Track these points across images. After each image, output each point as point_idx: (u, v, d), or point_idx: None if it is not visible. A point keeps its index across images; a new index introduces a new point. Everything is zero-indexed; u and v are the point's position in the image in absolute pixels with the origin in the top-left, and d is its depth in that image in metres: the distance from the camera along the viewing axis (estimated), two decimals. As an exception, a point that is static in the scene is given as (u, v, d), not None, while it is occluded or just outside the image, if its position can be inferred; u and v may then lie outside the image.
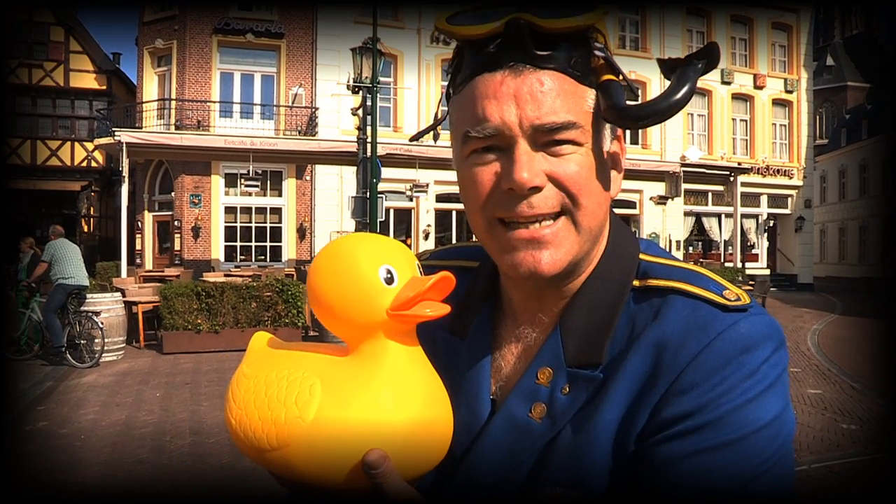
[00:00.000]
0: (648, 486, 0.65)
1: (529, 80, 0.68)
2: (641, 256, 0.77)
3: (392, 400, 0.66)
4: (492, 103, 0.68)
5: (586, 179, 0.70)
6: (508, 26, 0.68)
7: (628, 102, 0.70)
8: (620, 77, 0.71)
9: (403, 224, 21.26)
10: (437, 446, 0.70)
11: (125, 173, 15.77)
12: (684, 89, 0.67)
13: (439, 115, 0.80)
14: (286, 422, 0.64)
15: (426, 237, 20.82)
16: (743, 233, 24.92)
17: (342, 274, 0.67)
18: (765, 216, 26.59)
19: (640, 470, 0.66)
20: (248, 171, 17.08)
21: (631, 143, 22.79)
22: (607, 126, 0.74)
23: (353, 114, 13.64)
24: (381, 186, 13.55)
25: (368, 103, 12.40)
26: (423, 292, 0.67)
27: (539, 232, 0.70)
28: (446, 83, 0.78)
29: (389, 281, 0.67)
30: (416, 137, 0.95)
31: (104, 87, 24.70)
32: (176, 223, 19.20)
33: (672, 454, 0.64)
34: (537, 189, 0.68)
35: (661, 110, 0.67)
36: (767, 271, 25.43)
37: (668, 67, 0.69)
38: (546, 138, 0.68)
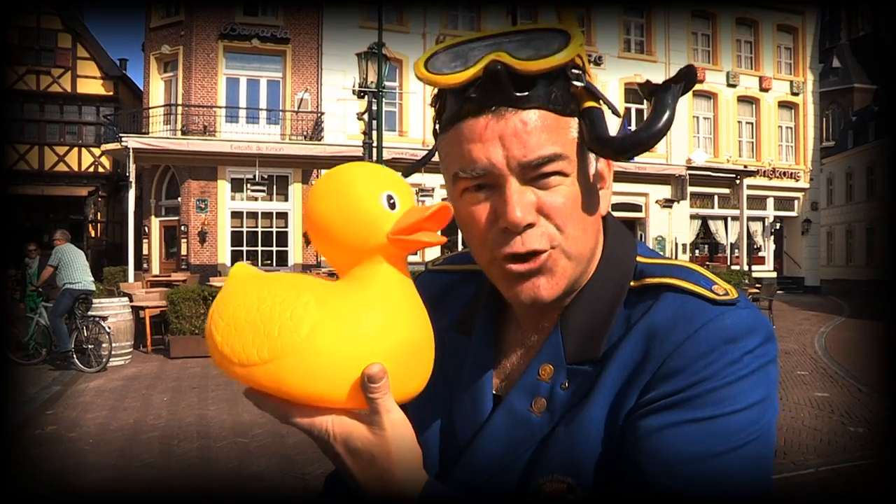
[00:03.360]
0: (630, 457, 0.68)
1: (512, 122, 0.70)
2: (638, 259, 0.80)
3: (384, 318, 0.67)
4: (478, 146, 0.71)
5: (571, 209, 0.73)
6: (487, 72, 0.69)
7: (617, 129, 0.73)
8: (601, 102, 0.73)
9: (409, 228, 21.26)
10: (422, 370, 0.72)
11: (132, 178, 15.88)
12: (664, 117, 0.68)
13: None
14: (280, 335, 0.64)
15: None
16: (749, 235, 24.85)
17: (346, 197, 0.68)
18: (771, 219, 26.49)
19: (625, 444, 0.69)
20: (255, 176, 17.16)
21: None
22: None
23: (359, 118, 13.66)
24: (387, 190, 13.56)
25: (374, 108, 12.43)
26: (423, 219, 0.68)
27: (534, 264, 0.73)
28: (432, 120, 0.80)
29: (392, 206, 0.69)
30: (409, 173, 0.97)
31: (111, 93, 24.84)
32: (182, 228, 19.27)
33: (651, 425, 0.67)
34: (531, 225, 0.71)
35: (642, 141, 0.68)
36: (774, 274, 25.34)
37: (647, 92, 0.71)
38: (534, 173, 0.71)
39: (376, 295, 0.68)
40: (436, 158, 0.80)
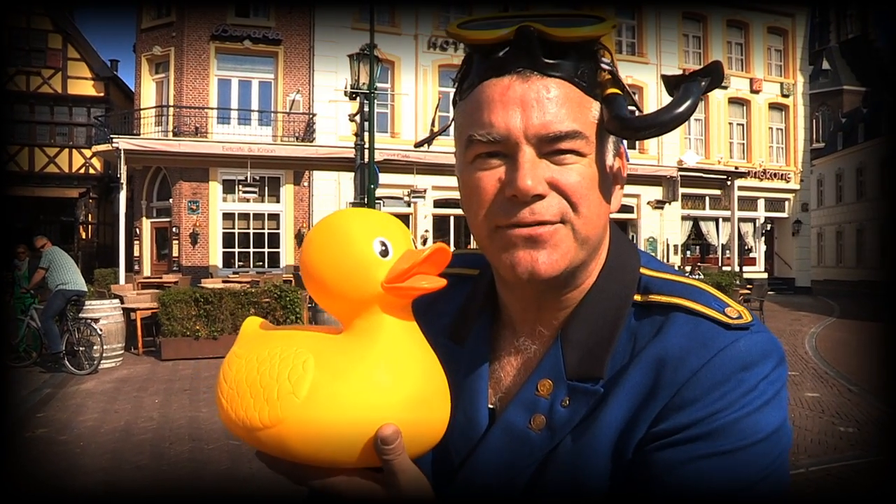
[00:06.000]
0: (644, 491, 0.66)
1: (536, 87, 0.69)
2: (642, 270, 0.78)
3: (388, 375, 0.64)
4: (498, 108, 0.69)
5: (587, 189, 0.70)
6: (518, 33, 0.69)
7: (630, 114, 0.71)
8: (624, 93, 0.72)
9: (401, 229, 21.23)
10: (436, 424, 0.69)
11: (123, 180, 15.81)
12: (687, 103, 0.68)
13: (437, 122, 0.80)
14: (279, 398, 0.63)
15: (424, 242, 20.80)
16: (740, 237, 24.96)
17: (336, 247, 0.66)
18: (762, 220, 26.65)
19: (636, 476, 0.67)
20: (246, 178, 17.12)
21: (628, 148, 22.79)
22: (610, 140, 0.75)
23: (351, 120, 13.67)
24: (379, 192, 13.58)
25: (366, 109, 12.43)
26: (418, 264, 0.65)
27: (537, 231, 0.69)
28: (453, 90, 0.78)
29: (384, 253, 0.66)
30: (421, 144, 0.97)
31: (102, 94, 24.75)
32: (174, 230, 19.20)
33: (669, 460, 0.65)
34: (540, 196, 0.68)
35: (663, 122, 0.68)
36: (765, 275, 25.46)
37: (671, 84, 0.70)
38: (550, 147, 0.69)
39: (380, 349, 0.65)
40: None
